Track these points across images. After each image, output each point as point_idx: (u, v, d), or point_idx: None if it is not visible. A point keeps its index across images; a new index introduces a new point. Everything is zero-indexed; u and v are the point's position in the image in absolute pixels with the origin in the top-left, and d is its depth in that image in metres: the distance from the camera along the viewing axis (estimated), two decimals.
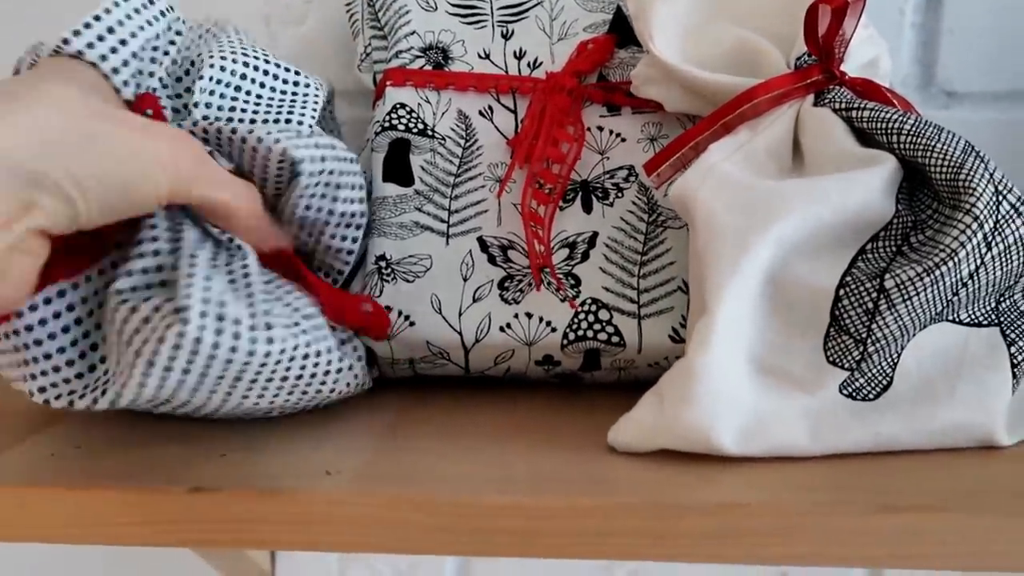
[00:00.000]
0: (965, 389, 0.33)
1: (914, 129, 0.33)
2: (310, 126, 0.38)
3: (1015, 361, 0.34)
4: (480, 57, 0.43)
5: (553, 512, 0.30)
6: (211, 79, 0.36)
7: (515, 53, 0.43)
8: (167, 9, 0.36)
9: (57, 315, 0.32)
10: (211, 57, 0.37)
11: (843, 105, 0.35)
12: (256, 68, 0.38)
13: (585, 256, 0.39)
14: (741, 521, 0.29)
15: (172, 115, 0.36)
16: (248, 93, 0.37)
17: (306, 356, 0.33)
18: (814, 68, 0.37)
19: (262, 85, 0.38)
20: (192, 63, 0.37)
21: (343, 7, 0.49)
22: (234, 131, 0.34)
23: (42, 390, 0.32)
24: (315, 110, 0.39)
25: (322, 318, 0.34)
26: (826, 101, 0.36)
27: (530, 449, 0.34)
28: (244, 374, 0.31)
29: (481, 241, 0.40)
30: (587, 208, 0.40)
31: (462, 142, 0.41)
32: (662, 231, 0.40)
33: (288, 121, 0.38)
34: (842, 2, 0.34)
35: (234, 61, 0.37)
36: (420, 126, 0.41)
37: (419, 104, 0.42)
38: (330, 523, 0.30)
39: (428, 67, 0.43)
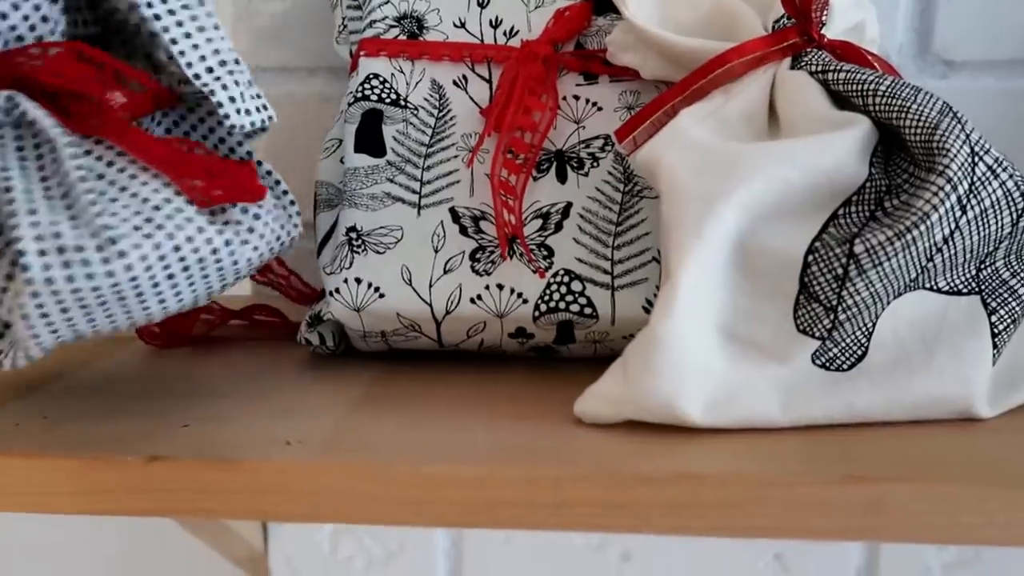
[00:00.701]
0: (943, 359, 0.32)
1: (890, 90, 0.32)
2: None
3: (995, 331, 0.32)
4: (455, 26, 0.42)
5: (509, 482, 0.29)
6: None
7: (491, 22, 0.42)
8: None
9: None
10: None
11: (820, 68, 0.34)
12: None
13: (559, 227, 0.39)
14: (702, 492, 0.28)
15: None
16: None
17: (178, 250, 0.30)
18: (791, 30, 0.36)
19: None
20: None
21: None
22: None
23: None
24: None
25: (180, 198, 0.31)
26: (803, 64, 0.35)
27: (496, 420, 0.34)
28: (122, 293, 0.29)
29: (453, 212, 0.39)
30: (561, 178, 0.39)
31: (435, 112, 0.41)
32: (638, 201, 0.39)
33: None
34: None
35: None
36: (393, 96, 0.41)
37: (392, 74, 0.41)
38: (285, 492, 0.30)
39: (402, 37, 0.42)
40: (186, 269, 0.31)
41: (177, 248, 0.30)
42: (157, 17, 0.32)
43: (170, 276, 0.30)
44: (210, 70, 0.32)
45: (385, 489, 0.30)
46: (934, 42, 0.51)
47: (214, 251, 0.31)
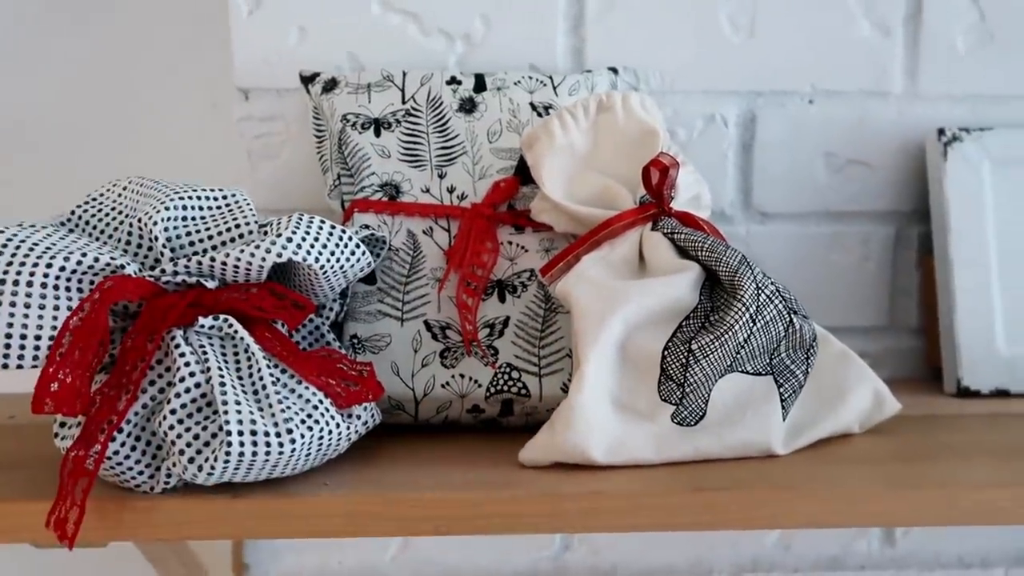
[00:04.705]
0: (752, 417, 0.50)
1: (710, 247, 0.51)
2: (257, 222, 0.48)
3: (783, 398, 0.51)
4: (422, 191, 0.59)
5: (478, 502, 0.44)
6: (164, 220, 0.46)
7: (448, 188, 0.59)
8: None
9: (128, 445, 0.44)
10: (155, 209, 0.46)
11: (669, 231, 0.53)
12: (191, 197, 0.48)
13: (501, 333, 0.55)
14: (604, 502, 0.45)
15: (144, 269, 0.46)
16: (194, 219, 0.48)
17: (320, 439, 0.44)
18: (651, 205, 0.55)
19: (200, 208, 0.48)
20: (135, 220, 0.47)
21: (312, 147, 0.65)
22: (224, 263, 0.45)
23: (124, 482, 0.45)
24: (253, 212, 0.48)
25: (328, 399, 0.45)
26: (659, 227, 0.54)
27: (465, 467, 0.49)
28: (279, 463, 0.44)
29: (426, 323, 0.55)
30: (502, 299, 0.56)
31: (411, 253, 0.57)
32: (555, 315, 0.56)
33: (237, 226, 0.47)
34: (664, 166, 0.52)
35: (180, 198, 0.47)
36: None
37: (379, 225, 0.58)
38: (326, 517, 0.44)
39: (384, 198, 0.59)
40: (320, 449, 0.45)
41: (322, 438, 0.45)
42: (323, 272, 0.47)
43: (311, 454, 0.45)
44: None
45: (391, 511, 0.44)
46: (754, 199, 0.72)
47: (339, 438, 0.46)
